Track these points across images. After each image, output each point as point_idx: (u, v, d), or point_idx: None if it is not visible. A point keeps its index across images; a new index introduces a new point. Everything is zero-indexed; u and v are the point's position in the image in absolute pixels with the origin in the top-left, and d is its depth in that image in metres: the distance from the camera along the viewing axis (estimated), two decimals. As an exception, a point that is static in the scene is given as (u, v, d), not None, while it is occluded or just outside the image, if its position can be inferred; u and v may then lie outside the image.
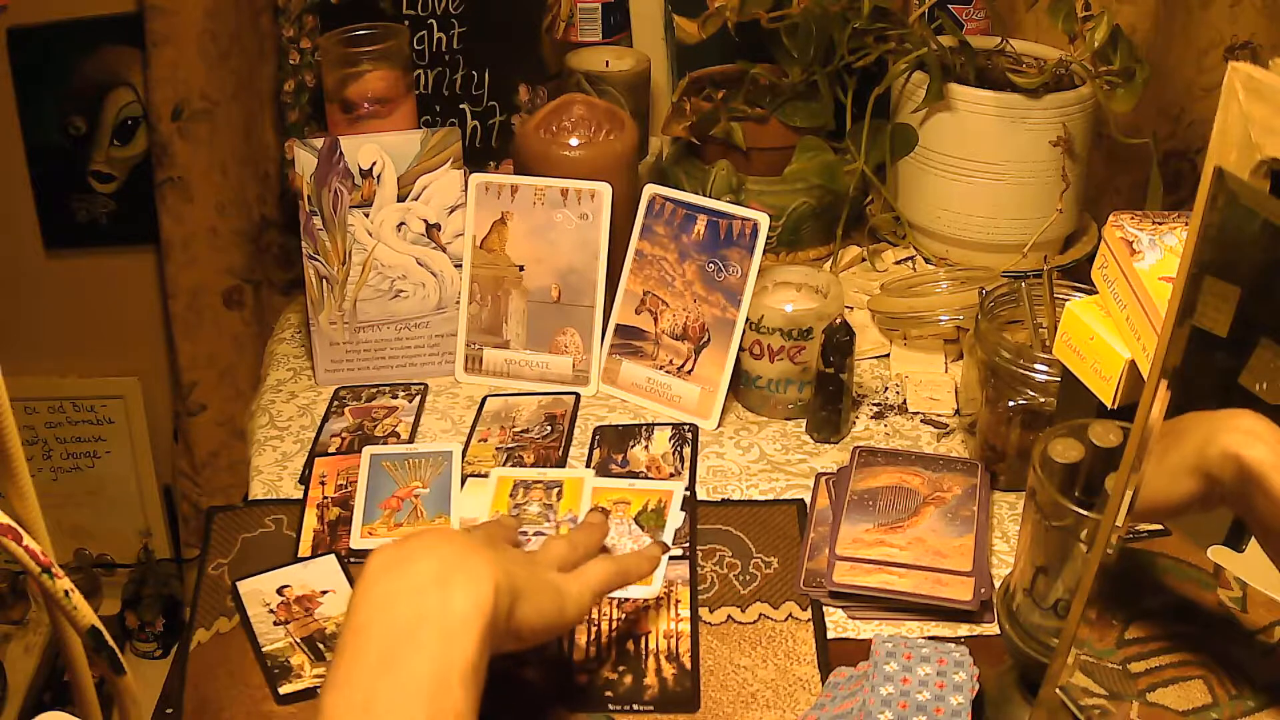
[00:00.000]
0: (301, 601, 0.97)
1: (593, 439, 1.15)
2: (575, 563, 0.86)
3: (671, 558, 1.00)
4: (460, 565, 0.72)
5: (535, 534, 1.02)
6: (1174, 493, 0.66)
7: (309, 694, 0.89)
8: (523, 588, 0.76)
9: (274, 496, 1.10)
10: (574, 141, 1.24)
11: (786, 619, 0.96)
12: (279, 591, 0.98)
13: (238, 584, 0.99)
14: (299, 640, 0.94)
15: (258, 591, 0.98)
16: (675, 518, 1.03)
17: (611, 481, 1.08)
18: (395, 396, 1.22)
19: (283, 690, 0.90)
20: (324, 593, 0.98)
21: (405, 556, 0.72)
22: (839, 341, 1.10)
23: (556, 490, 1.07)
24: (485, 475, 1.09)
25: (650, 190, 1.21)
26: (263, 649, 0.93)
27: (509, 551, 0.83)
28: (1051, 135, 1.26)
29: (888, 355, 1.26)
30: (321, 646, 0.93)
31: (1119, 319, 0.90)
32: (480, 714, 0.69)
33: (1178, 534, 0.71)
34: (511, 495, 1.06)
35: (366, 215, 1.22)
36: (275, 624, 0.95)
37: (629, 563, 0.89)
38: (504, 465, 1.11)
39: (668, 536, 1.01)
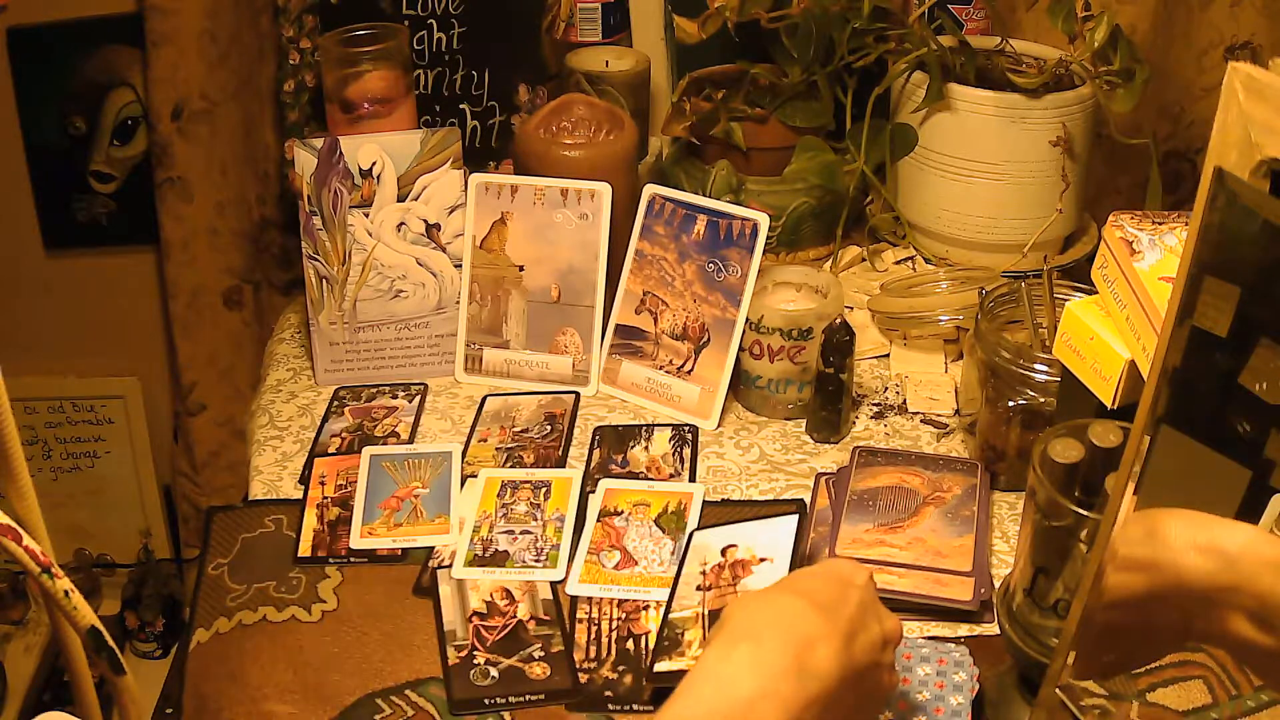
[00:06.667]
0: (735, 569, 0.93)
1: (593, 440, 1.15)
2: None
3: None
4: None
5: (522, 532, 1.02)
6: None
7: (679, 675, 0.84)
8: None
9: (274, 496, 1.11)
10: (574, 141, 1.24)
11: (787, 619, 0.95)
12: (722, 552, 0.95)
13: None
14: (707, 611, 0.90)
15: (701, 548, 0.95)
16: (696, 521, 1.03)
17: (630, 483, 1.08)
18: (395, 396, 1.22)
19: (659, 666, 0.87)
20: (762, 560, 0.93)
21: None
22: (839, 341, 1.10)
23: (544, 490, 1.07)
24: (475, 476, 1.10)
25: (650, 190, 1.21)
26: (670, 613, 0.90)
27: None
28: (1051, 135, 1.26)
29: (888, 355, 1.26)
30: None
31: (1119, 319, 0.90)
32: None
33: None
34: (499, 495, 1.07)
35: (366, 215, 1.22)
36: (697, 589, 0.92)
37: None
38: (504, 465, 1.11)
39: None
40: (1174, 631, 0.63)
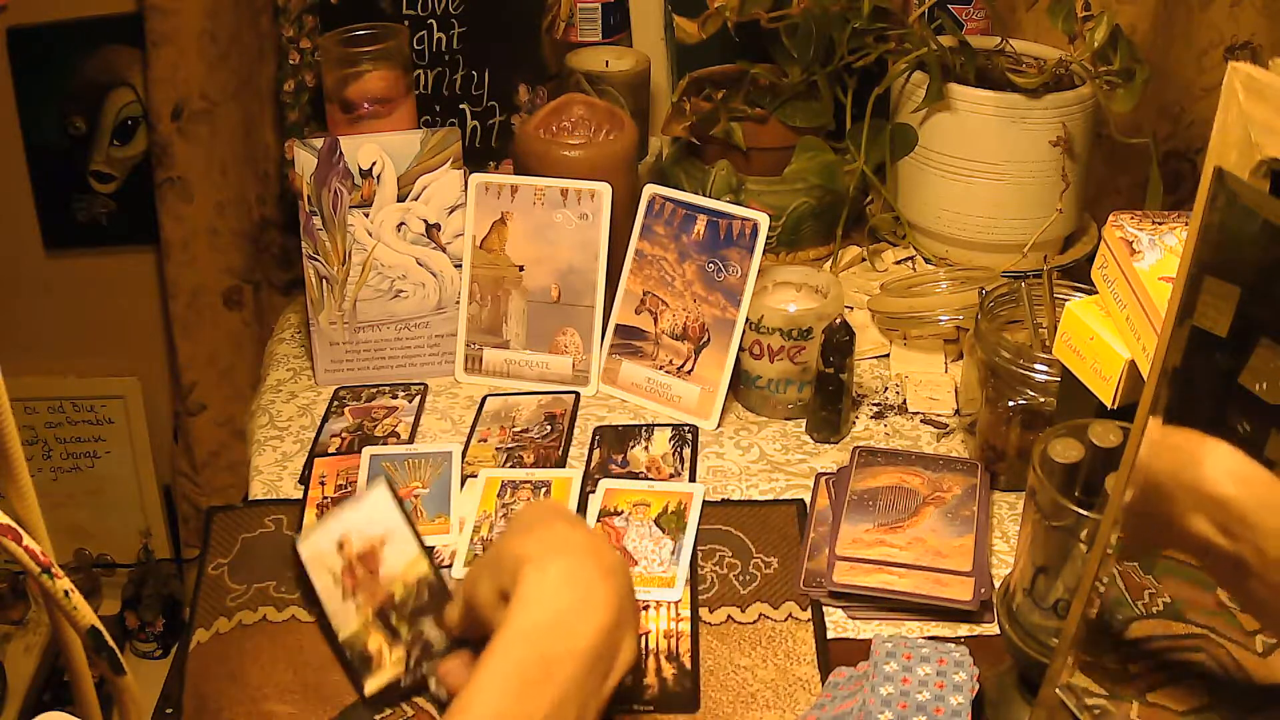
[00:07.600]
0: (365, 560, 0.91)
1: (593, 439, 1.15)
2: None
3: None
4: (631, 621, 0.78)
5: None
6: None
7: (394, 691, 0.86)
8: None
9: (274, 496, 1.11)
10: (574, 141, 1.24)
11: (786, 619, 0.96)
12: (339, 550, 0.92)
13: (299, 549, 0.93)
14: (374, 616, 0.88)
15: (320, 557, 0.92)
16: (696, 521, 1.03)
17: (630, 483, 1.08)
18: (395, 396, 1.22)
19: (368, 689, 0.86)
20: (383, 539, 0.92)
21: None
22: (839, 341, 1.10)
23: (544, 490, 1.07)
24: (475, 476, 1.09)
25: (650, 190, 1.21)
26: (340, 637, 0.88)
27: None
28: (1051, 135, 1.26)
29: (888, 355, 1.26)
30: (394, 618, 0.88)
31: (1119, 319, 0.90)
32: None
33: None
34: (499, 495, 1.07)
35: (366, 215, 1.22)
36: (345, 599, 0.90)
37: None
38: (504, 465, 1.11)
39: (688, 540, 1.01)
40: (1162, 523, 0.66)
